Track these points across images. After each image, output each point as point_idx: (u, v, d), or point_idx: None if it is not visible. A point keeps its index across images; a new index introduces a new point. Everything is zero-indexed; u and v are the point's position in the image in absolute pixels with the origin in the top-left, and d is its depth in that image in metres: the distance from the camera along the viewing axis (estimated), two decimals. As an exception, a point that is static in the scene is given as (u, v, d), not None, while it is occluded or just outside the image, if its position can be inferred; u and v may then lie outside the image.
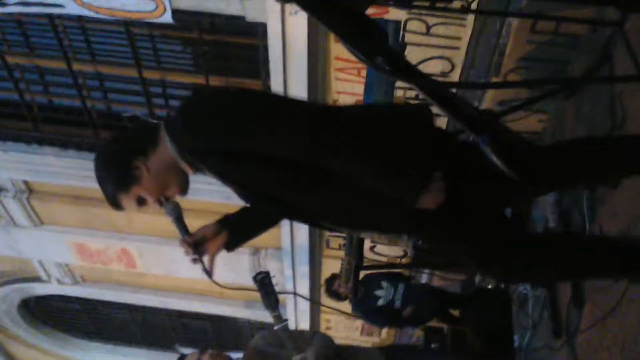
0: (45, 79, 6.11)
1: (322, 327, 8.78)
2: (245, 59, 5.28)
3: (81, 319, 10.21)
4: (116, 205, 1.87)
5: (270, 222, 2.25)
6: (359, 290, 4.91)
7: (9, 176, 6.82)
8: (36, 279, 8.85)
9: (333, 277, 5.21)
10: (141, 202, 1.86)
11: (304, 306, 8.32)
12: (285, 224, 6.61)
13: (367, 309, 5.02)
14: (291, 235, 7.26)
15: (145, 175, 1.80)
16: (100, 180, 1.85)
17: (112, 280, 8.77)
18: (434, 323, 5.26)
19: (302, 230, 6.94)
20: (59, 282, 8.78)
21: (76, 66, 5.67)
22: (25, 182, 6.98)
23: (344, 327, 8.64)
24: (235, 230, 2.10)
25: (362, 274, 4.82)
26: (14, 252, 8.03)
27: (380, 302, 4.92)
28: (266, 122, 1.68)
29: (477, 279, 5.44)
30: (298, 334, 3.23)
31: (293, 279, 7.83)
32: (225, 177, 1.81)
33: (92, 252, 7.87)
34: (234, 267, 7.83)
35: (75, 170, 6.24)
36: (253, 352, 3.04)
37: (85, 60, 5.69)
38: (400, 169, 1.69)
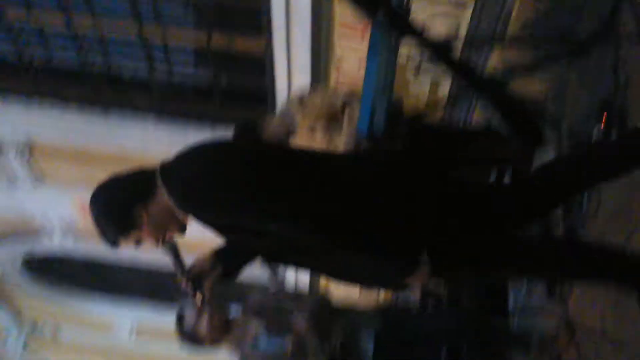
0: (45, 35, 6.07)
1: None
2: (248, 17, 5.22)
3: (84, 275, 10.34)
4: (112, 245, 1.91)
5: None
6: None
7: (10, 133, 6.84)
8: (39, 236, 8.93)
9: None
10: (138, 244, 1.90)
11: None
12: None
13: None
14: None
15: (145, 221, 1.83)
16: (100, 223, 1.87)
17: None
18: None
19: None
20: (62, 239, 8.86)
21: (76, 21, 5.63)
22: (27, 139, 7.00)
23: (343, 287, 8.72)
24: (230, 261, 2.11)
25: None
26: (16, 210, 8.09)
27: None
28: (254, 207, 1.72)
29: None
30: (296, 296, 3.29)
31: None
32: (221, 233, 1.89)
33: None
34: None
35: (76, 127, 6.25)
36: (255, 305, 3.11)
37: (84, 14, 5.63)
38: (387, 256, 1.76)
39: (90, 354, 10.85)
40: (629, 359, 2.51)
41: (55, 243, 9.02)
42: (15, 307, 10.39)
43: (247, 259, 2.13)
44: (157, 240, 1.90)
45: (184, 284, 2.00)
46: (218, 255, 2.07)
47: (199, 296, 1.99)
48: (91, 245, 9.04)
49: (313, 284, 8.56)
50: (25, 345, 10.65)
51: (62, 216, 8.42)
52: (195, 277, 2.00)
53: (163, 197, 1.79)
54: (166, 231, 1.89)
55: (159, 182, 1.79)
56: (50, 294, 10.37)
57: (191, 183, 1.75)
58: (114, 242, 1.88)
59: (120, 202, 1.84)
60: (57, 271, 10.27)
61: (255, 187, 1.72)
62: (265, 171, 1.74)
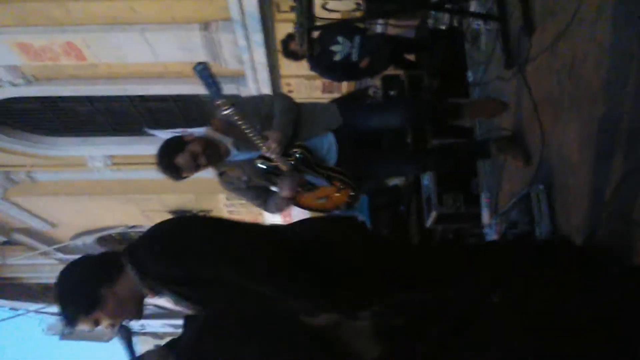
0: None
1: (284, 91, 8.92)
2: None
3: (46, 118, 10.18)
4: (70, 324, 1.91)
5: None
6: (314, 48, 4.90)
7: None
8: (-11, 88, 8.65)
9: (289, 37, 5.11)
10: (96, 324, 1.92)
11: (264, 75, 8.35)
12: None
13: (324, 66, 5.06)
14: (239, 3, 7.01)
15: (110, 302, 1.89)
16: (63, 300, 1.91)
17: (66, 75, 8.60)
18: (390, 71, 5.36)
19: (251, -1, 6.72)
20: (12, 84, 8.58)
21: None
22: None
23: (304, 87, 8.79)
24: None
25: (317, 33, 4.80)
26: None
27: (337, 57, 4.94)
28: (220, 259, 1.83)
29: (430, 22, 5.43)
30: (259, 99, 3.26)
31: (248, 49, 7.75)
32: (186, 298, 1.91)
33: (37, 49, 7.59)
34: (185, 45, 7.68)
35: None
36: (219, 122, 3.11)
37: None
38: None
39: (70, 190, 11.05)
40: (585, 120, 2.63)
41: (8, 90, 8.76)
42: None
43: None
44: (114, 323, 1.94)
45: None
46: (170, 347, 2.04)
47: None
48: (44, 86, 8.83)
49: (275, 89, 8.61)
50: (3, 195, 10.79)
51: (5, 62, 8.08)
52: None
53: (128, 278, 1.89)
54: (125, 314, 1.95)
55: (125, 260, 1.90)
56: (16, 142, 10.28)
57: (158, 239, 1.93)
58: (72, 320, 1.91)
59: (89, 281, 1.92)
60: (16, 117, 10.09)
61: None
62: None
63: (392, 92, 4.60)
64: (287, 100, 3.13)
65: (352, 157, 3.23)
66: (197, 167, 3.01)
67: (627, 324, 1.12)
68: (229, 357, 0.92)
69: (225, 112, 2.77)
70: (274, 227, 2.22)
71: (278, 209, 3.30)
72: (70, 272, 2.00)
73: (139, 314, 2.02)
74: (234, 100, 2.88)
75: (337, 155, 3.19)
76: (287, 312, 1.02)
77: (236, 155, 3.11)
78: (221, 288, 1.89)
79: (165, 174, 3.02)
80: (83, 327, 1.95)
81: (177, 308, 2.11)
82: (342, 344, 1.02)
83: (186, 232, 1.96)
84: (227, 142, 3.07)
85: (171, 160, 2.95)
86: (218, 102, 2.72)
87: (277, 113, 3.04)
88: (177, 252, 1.88)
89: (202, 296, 1.91)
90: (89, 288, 1.93)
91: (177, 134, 3.10)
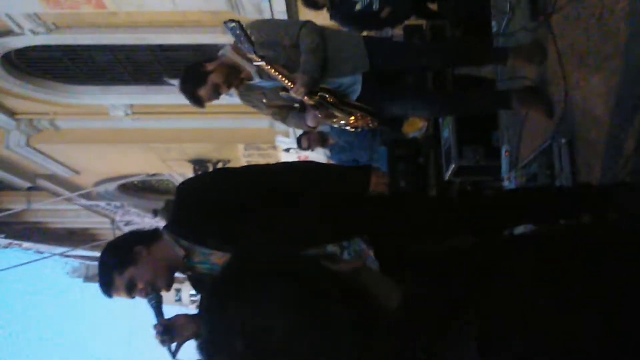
0: None
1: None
2: None
3: (66, 66, 10.18)
4: (107, 288, 2.02)
5: None
6: (335, -2, 4.83)
7: None
8: (9, 33, 8.64)
9: None
10: (130, 287, 2.00)
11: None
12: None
13: (345, 15, 4.97)
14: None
15: (144, 259, 1.99)
16: (101, 265, 2.04)
17: (86, 23, 8.57)
18: (412, 21, 5.27)
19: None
20: (33, 32, 8.58)
21: None
22: None
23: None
24: None
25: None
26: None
27: (358, 6, 4.85)
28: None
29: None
30: (283, 29, 3.19)
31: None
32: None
33: (57, -4, 7.58)
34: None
35: None
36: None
37: None
38: None
39: (92, 138, 11.16)
40: (610, 72, 2.59)
41: (28, 38, 8.78)
42: (7, 107, 10.44)
43: None
44: (146, 287, 2.02)
45: (157, 328, 2.09)
46: (195, 319, 2.14)
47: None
48: (65, 34, 8.83)
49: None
50: (27, 141, 10.92)
51: (26, 10, 8.07)
52: (170, 326, 2.09)
53: (164, 244, 2.03)
54: (157, 279, 2.02)
55: (162, 230, 2.08)
56: (38, 90, 10.34)
57: (185, 198, 2.13)
58: (108, 280, 2.01)
59: (125, 241, 2.09)
60: (37, 65, 10.12)
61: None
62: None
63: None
64: (314, 36, 3.06)
65: (373, 95, 3.24)
66: (218, 96, 3.09)
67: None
68: (254, 301, 0.95)
69: (257, 64, 2.82)
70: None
71: (296, 127, 3.53)
72: (110, 243, 2.17)
73: (169, 283, 2.10)
74: (257, 25, 2.98)
75: (360, 93, 3.21)
76: (310, 259, 1.05)
77: (259, 82, 3.14)
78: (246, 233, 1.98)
79: (188, 101, 3.12)
80: (119, 291, 2.03)
81: None
82: (364, 291, 1.04)
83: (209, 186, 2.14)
84: (250, 67, 3.07)
85: (194, 92, 3.04)
86: (250, 56, 2.76)
87: (304, 52, 3.02)
88: (205, 203, 2.03)
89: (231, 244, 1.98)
90: (124, 246, 2.05)
91: (198, 62, 3.11)
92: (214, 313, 1.00)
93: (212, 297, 1.02)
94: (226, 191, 2.09)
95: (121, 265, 2.01)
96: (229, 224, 2.00)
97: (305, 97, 3.01)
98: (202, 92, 3.01)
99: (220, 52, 3.15)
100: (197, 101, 3.08)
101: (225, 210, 2.01)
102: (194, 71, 3.06)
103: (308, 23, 3.13)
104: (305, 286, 0.98)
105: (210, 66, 3.02)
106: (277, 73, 2.88)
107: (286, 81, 2.93)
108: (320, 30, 3.11)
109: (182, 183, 2.22)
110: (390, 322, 1.01)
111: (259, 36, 2.91)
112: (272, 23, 3.03)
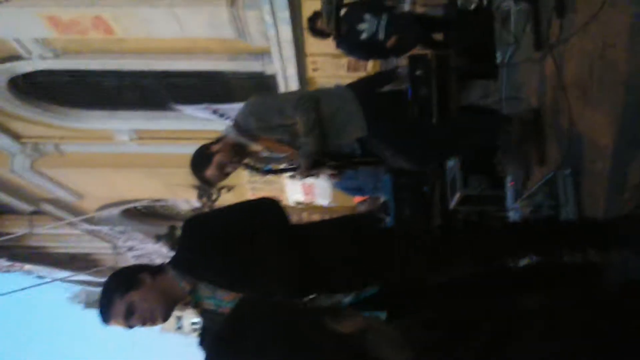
0: None
1: (309, 69, 8.89)
2: None
3: (73, 91, 10.27)
4: (106, 311, 2.02)
5: None
6: (341, 26, 4.87)
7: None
8: (17, 58, 8.75)
9: (316, 15, 5.08)
10: (129, 313, 2.00)
11: (290, 53, 8.33)
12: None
13: (351, 44, 5.03)
14: (267, -21, 7.00)
15: (147, 286, 2.01)
16: (104, 289, 2.05)
17: (94, 49, 8.67)
18: (418, 50, 5.31)
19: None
20: (41, 57, 8.69)
21: None
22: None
23: (330, 65, 8.75)
24: None
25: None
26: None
27: (364, 35, 4.90)
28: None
29: (459, 1, 5.35)
30: (280, 108, 3.23)
31: (275, 26, 7.73)
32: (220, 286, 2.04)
33: (66, 22, 7.65)
34: (212, 21, 7.69)
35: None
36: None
37: None
38: None
39: (97, 163, 11.19)
40: (614, 104, 2.60)
41: (36, 63, 8.87)
42: (13, 131, 10.50)
43: None
44: (144, 314, 2.02)
45: None
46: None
47: None
48: (72, 60, 8.92)
49: (300, 67, 8.59)
50: (31, 165, 10.96)
51: (35, 35, 8.17)
52: None
53: (168, 276, 2.06)
54: (156, 309, 2.03)
55: (166, 265, 2.10)
56: (44, 114, 10.42)
57: (189, 237, 2.15)
58: (108, 302, 2.01)
59: (133, 267, 2.16)
60: (44, 89, 10.20)
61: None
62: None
63: (418, 72, 4.55)
64: (309, 115, 3.10)
65: (377, 149, 3.34)
66: (226, 176, 3.19)
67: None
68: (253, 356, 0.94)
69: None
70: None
71: None
72: (117, 270, 2.18)
73: (167, 315, 2.10)
74: (253, 111, 3.13)
75: (361, 152, 3.33)
76: (312, 315, 1.03)
77: (269, 155, 3.35)
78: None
79: (201, 184, 3.32)
80: (117, 316, 2.02)
81: None
82: (369, 351, 1.02)
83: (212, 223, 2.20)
84: (256, 146, 3.21)
85: (201, 175, 3.14)
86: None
87: (302, 134, 3.09)
88: (208, 240, 2.07)
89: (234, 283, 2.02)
90: (130, 272, 2.09)
91: (204, 145, 3.21)
92: None
93: (216, 348, 1.02)
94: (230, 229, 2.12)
95: (124, 288, 2.01)
96: (233, 263, 2.02)
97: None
98: (209, 172, 3.10)
99: (224, 132, 3.23)
100: (206, 182, 3.20)
101: (230, 248, 2.04)
102: (199, 153, 3.16)
103: (301, 100, 3.15)
104: (304, 345, 0.96)
105: (215, 147, 3.12)
106: (282, 152, 3.17)
107: (292, 156, 3.16)
108: (315, 102, 3.15)
109: (189, 220, 2.26)
110: None
111: (260, 123, 3.06)
112: (267, 105, 3.05)
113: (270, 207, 2.18)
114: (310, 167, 3.11)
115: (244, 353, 0.97)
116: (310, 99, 3.14)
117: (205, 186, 3.17)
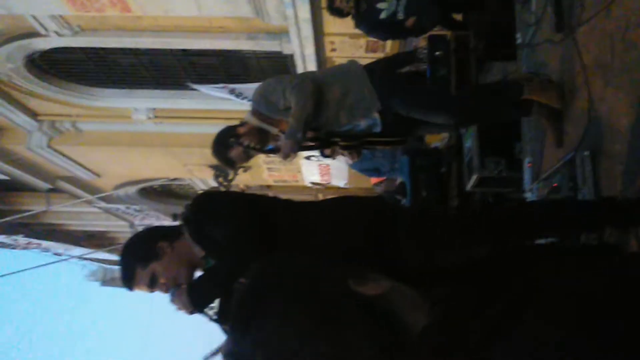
0: None
1: (327, 49, 8.85)
2: None
3: (90, 69, 10.32)
4: (128, 279, 2.07)
5: None
6: (360, 5, 4.85)
7: None
8: (35, 34, 8.78)
9: None
10: (153, 282, 2.06)
11: (308, 32, 8.30)
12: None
13: (370, 24, 5.00)
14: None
15: (167, 255, 2.07)
16: (124, 257, 2.10)
17: (111, 26, 8.68)
18: (437, 31, 5.27)
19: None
20: (58, 34, 8.71)
21: None
22: None
23: (348, 46, 8.70)
24: None
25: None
26: (4, 10, 7.84)
27: (383, 15, 4.87)
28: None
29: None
30: (280, 92, 3.23)
31: (293, 4, 7.69)
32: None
33: (83, 0, 7.68)
34: (229, 0, 7.67)
35: None
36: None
37: None
38: None
39: (114, 141, 11.26)
40: (635, 86, 2.58)
41: (54, 40, 8.90)
42: (29, 108, 10.58)
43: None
44: (168, 282, 2.06)
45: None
46: None
47: None
48: (89, 37, 8.94)
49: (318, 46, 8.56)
50: (48, 143, 11.04)
51: (51, 12, 8.18)
52: None
53: (184, 243, 2.10)
54: (178, 276, 2.07)
55: (183, 228, 2.13)
56: (61, 92, 10.47)
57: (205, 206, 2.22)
58: (130, 273, 2.06)
59: (150, 236, 2.16)
60: (61, 67, 10.25)
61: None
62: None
63: (437, 53, 4.52)
64: (300, 97, 3.09)
65: (397, 126, 3.34)
66: (249, 158, 3.27)
67: None
68: (275, 322, 0.95)
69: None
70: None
71: None
72: (134, 236, 2.23)
73: (190, 279, 2.13)
74: (265, 90, 3.19)
75: (381, 129, 3.29)
76: (335, 277, 1.04)
77: None
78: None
79: (222, 164, 3.34)
80: (140, 285, 2.07)
81: None
82: (391, 314, 1.03)
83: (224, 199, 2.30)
84: (273, 129, 3.23)
85: (225, 155, 3.20)
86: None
87: (292, 114, 3.09)
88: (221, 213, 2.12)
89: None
90: (149, 241, 2.12)
91: (231, 126, 3.26)
92: (237, 329, 1.02)
93: (238, 312, 1.03)
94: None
95: (145, 260, 2.06)
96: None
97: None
98: (234, 153, 3.17)
99: (245, 118, 3.28)
100: (230, 163, 3.26)
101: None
102: (226, 134, 3.21)
103: (297, 80, 3.17)
104: (327, 310, 0.97)
105: (241, 130, 3.18)
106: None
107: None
108: (314, 85, 3.14)
109: (203, 193, 2.39)
110: (414, 346, 1.00)
111: (270, 106, 3.16)
112: (275, 87, 3.06)
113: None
114: (292, 150, 3.09)
115: (267, 317, 0.98)
116: (305, 81, 3.15)
117: (226, 166, 3.17)
